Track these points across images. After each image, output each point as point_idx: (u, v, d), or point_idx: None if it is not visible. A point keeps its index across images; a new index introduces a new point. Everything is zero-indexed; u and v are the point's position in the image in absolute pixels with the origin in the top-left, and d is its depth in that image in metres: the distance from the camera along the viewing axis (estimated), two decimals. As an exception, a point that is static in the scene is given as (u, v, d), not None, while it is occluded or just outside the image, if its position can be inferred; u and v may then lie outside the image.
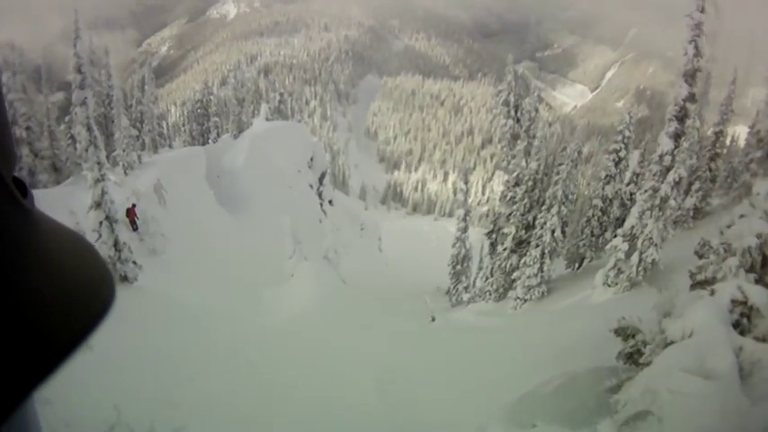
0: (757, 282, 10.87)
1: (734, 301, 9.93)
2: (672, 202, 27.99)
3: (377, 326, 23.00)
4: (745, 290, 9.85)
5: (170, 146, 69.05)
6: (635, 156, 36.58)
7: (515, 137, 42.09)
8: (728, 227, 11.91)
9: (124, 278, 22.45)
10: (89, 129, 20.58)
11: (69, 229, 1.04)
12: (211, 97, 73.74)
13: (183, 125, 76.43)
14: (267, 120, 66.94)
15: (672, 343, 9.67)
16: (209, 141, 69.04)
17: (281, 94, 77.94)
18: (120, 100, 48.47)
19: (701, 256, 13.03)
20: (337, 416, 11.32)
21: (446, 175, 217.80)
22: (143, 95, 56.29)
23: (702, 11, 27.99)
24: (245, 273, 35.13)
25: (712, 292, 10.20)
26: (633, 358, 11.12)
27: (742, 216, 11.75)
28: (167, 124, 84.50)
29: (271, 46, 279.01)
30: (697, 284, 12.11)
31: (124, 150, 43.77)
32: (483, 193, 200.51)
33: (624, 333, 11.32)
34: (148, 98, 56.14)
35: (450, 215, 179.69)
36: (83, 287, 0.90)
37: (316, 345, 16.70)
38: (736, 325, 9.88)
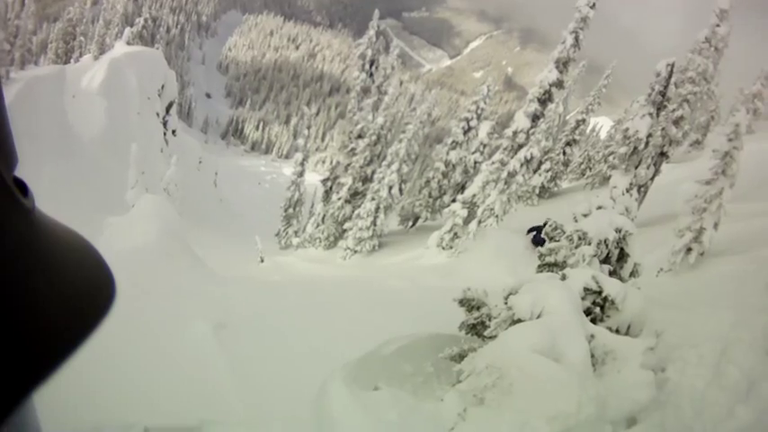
0: (611, 274, 11.01)
1: (587, 290, 9.97)
2: (519, 178, 28.55)
3: (210, 265, 22.55)
4: (600, 280, 9.90)
5: (36, 63, 68.81)
6: (485, 126, 36.45)
7: (366, 90, 42.37)
8: (585, 215, 11.95)
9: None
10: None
11: (70, 229, 1.01)
12: (83, 17, 72.19)
13: (51, 43, 72.93)
14: (128, 44, 65.48)
15: (519, 320, 9.56)
16: (72, 61, 67.42)
17: (146, 20, 75.46)
18: (1, 13, 47.07)
19: (551, 239, 13.07)
20: (169, 366, 10.55)
21: (288, 117, 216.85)
22: (22, 10, 54.59)
23: (593, 6, 28.31)
24: (90, 199, 34.43)
25: (564, 277, 10.18)
26: (476, 330, 11.04)
27: (600, 207, 11.80)
28: (37, 40, 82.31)
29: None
30: (545, 266, 12.18)
31: (-7, 66, 42.30)
32: (323, 140, 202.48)
33: (469, 304, 11.10)
34: (26, 13, 54.37)
35: (288, 157, 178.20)
36: (83, 287, 0.90)
37: (151, 283, 15.99)
38: (587, 313, 9.92)
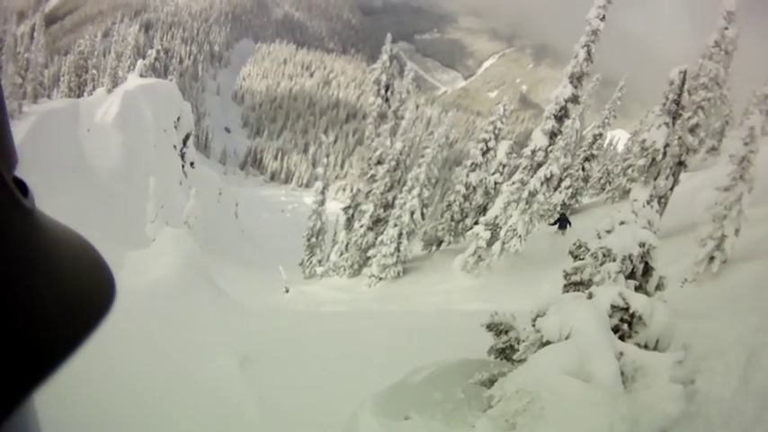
0: (637, 289, 10.89)
1: (614, 307, 9.86)
2: (540, 197, 28.60)
3: (234, 296, 22.48)
4: (626, 296, 9.82)
5: (48, 96, 69.39)
6: (503, 146, 36.86)
7: (383, 116, 42.29)
8: (608, 231, 11.84)
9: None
10: (-23, 75, 19.90)
11: (70, 229, 1.01)
12: (93, 49, 73.34)
13: (63, 76, 73.95)
14: (141, 76, 66.07)
15: (548, 342, 9.51)
16: (85, 94, 67.91)
17: (158, 52, 76.68)
18: (11, 46, 47.26)
19: (575, 257, 12.85)
20: (194, 400, 10.42)
21: (307, 145, 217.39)
22: (32, 43, 55.22)
23: (603, 19, 28.27)
24: (109, 233, 34.49)
25: (590, 296, 10.09)
26: (505, 354, 10.99)
27: (623, 222, 11.70)
28: (49, 74, 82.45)
29: (155, 1, 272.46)
30: (571, 285, 12.07)
31: (6, 99, 42.37)
32: (342, 168, 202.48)
33: (497, 329, 11.08)
34: (36, 46, 54.76)
35: (308, 186, 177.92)
36: (83, 287, 0.89)
37: (173, 316, 15.87)
38: (615, 330, 9.83)
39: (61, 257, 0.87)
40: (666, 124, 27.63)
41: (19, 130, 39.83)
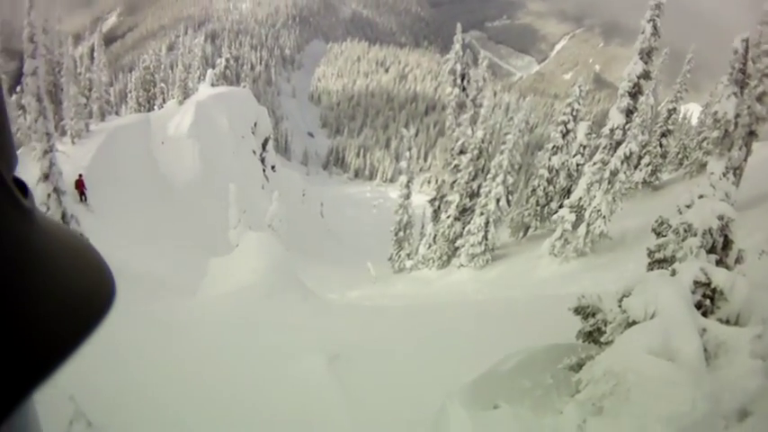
0: (718, 263, 10.77)
1: (696, 282, 9.70)
2: (621, 176, 28.17)
3: (322, 295, 22.50)
4: (708, 271, 9.64)
5: (116, 113, 68.87)
6: (582, 127, 36.69)
7: (461, 105, 42.13)
8: (688, 206, 11.75)
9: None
10: (39, 99, 20.53)
11: (69, 229, 1.04)
12: (159, 63, 73.67)
13: (130, 92, 74.24)
14: (212, 85, 66.14)
15: (634, 323, 9.41)
16: (155, 108, 68.18)
17: (227, 60, 75.83)
18: (70, 68, 47.75)
19: (658, 234, 12.71)
20: (284, 398, 10.47)
21: (388, 140, 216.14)
22: (92, 63, 55.48)
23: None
24: (190, 242, 35.39)
25: (673, 272, 10.00)
26: (593, 337, 10.87)
27: (701, 196, 11.60)
28: (114, 91, 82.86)
29: (219, 11, 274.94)
30: (655, 263, 11.97)
31: (72, 119, 42.88)
32: (425, 160, 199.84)
33: (584, 312, 10.95)
34: (98, 65, 55.14)
35: (393, 181, 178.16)
36: (83, 287, 0.91)
37: (261, 318, 15.88)
38: (698, 306, 9.66)
39: (61, 258, 0.90)
40: (735, 94, 27.28)
41: (88, 149, 40.41)
